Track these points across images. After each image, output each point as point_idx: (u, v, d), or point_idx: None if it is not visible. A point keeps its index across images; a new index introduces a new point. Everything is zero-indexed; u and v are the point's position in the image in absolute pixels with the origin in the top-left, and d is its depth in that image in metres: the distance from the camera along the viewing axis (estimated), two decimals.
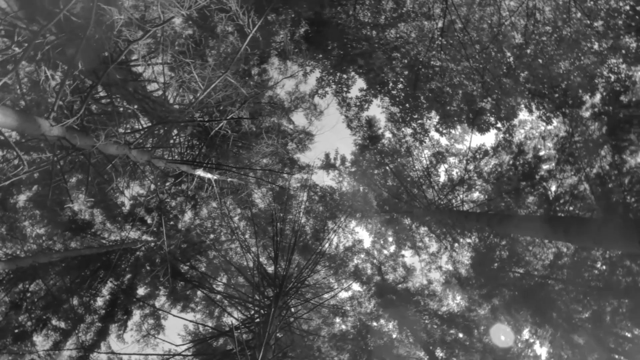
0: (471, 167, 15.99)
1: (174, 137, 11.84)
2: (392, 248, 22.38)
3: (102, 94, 10.70)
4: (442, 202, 16.74)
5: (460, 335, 18.53)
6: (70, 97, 7.66)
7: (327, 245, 17.54)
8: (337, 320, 21.40)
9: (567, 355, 13.53)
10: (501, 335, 16.58)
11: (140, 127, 9.27)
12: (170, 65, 11.32)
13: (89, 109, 10.95)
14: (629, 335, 11.56)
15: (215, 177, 11.18)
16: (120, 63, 9.04)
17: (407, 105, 15.69)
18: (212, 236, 17.76)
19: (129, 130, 8.66)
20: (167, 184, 14.32)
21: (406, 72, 15.03)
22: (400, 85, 15.58)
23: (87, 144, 6.16)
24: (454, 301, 19.58)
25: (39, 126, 4.97)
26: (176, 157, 11.70)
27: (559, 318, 12.64)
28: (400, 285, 21.24)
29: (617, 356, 11.50)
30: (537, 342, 15.09)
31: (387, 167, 18.48)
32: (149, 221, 15.74)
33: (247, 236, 18.06)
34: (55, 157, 6.06)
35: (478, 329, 17.28)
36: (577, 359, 13.16)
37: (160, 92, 10.93)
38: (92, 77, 8.21)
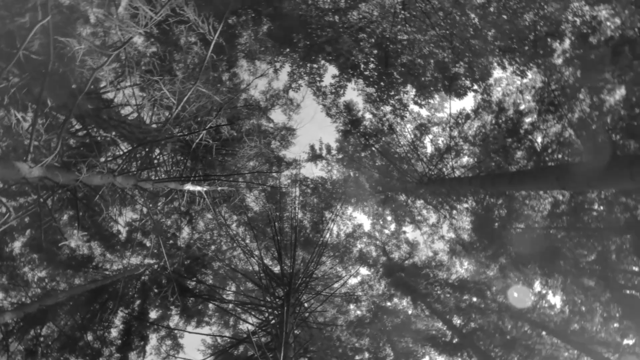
0: (455, 133, 16.02)
1: (157, 157, 11.76)
2: (393, 226, 22.48)
3: (77, 126, 10.60)
4: (433, 173, 16.77)
5: (474, 299, 18.69)
6: (46, 136, 7.58)
7: (328, 235, 17.57)
8: (352, 307, 21.53)
9: (580, 299, 13.69)
10: (514, 292, 16.73)
11: (121, 153, 9.19)
12: (140, 86, 11.22)
13: (67, 143, 10.87)
14: (636, 269, 11.69)
15: (205, 189, 11.14)
16: (89, 93, 8.94)
17: (381, 83, 15.66)
18: (213, 247, 17.73)
19: (110, 158, 8.59)
20: (159, 204, 14.25)
21: (375, 51, 14.99)
22: (371, 65, 15.54)
23: (70, 179, 6.10)
24: (462, 267, 19.73)
25: (18, 170, 4.91)
26: (163, 175, 11.62)
27: (567, 265, 12.76)
28: (407, 262, 21.35)
29: (628, 291, 11.64)
30: (550, 292, 15.26)
31: (373, 148, 18.49)
32: (148, 244, 15.67)
33: (247, 241, 18.04)
34: (41, 198, 6.00)
35: (490, 291, 17.42)
36: (590, 301, 13.32)
37: (135, 115, 10.84)
38: (64, 111, 8.12)
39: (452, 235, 19.42)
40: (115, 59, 10.58)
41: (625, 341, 13.50)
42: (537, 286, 15.78)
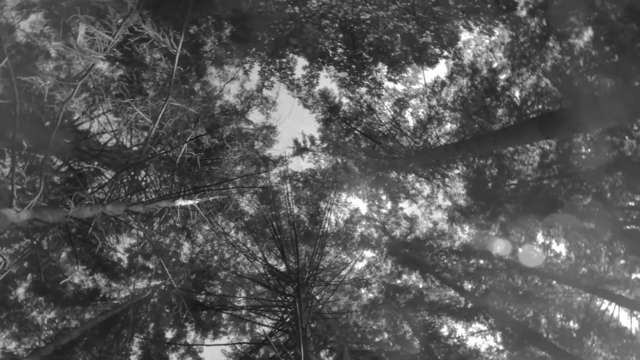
0: (434, 102, 16.04)
1: (144, 179, 11.70)
2: (389, 205, 22.54)
3: (58, 162, 10.51)
4: (419, 145, 16.80)
5: (481, 261, 18.83)
6: (29, 177, 7.51)
7: (326, 225, 17.59)
8: (363, 291, 21.62)
9: (584, 243, 13.84)
10: (518, 248, 16.86)
11: (106, 181, 9.12)
12: (113, 111, 11.13)
13: (51, 182, 10.77)
14: (632, 203, 11.82)
15: (196, 202, 11.10)
16: (63, 127, 8.86)
17: (353, 66, 15.62)
18: (216, 257, 17.71)
19: (96, 188, 8.52)
20: (155, 225, 14.20)
21: (341, 35, 14.93)
22: (340, 50, 15.48)
23: (60, 216, 6.05)
24: (464, 233, 19.83)
25: (5, 217, 4.86)
26: (153, 196, 11.56)
27: (565, 212, 12.86)
28: (409, 237, 21.46)
29: (628, 227, 11.77)
30: (553, 241, 15.40)
31: (356, 131, 18.47)
32: (151, 266, 15.63)
33: (249, 245, 18.02)
34: (34, 241, 5.95)
35: (495, 251, 17.54)
36: (593, 243, 13.47)
37: (114, 141, 10.76)
38: (42, 150, 8.04)
39: (448, 203, 19.51)
40: (84, 88, 10.50)
41: (634, 275, 13.69)
42: (540, 238, 15.92)
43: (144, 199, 10.70)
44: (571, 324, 15.99)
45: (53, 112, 7.28)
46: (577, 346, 14.67)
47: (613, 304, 14.32)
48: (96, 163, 10.65)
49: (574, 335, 15.20)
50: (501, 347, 18.24)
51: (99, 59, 5.61)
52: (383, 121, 17.91)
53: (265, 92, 16.80)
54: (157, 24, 7.18)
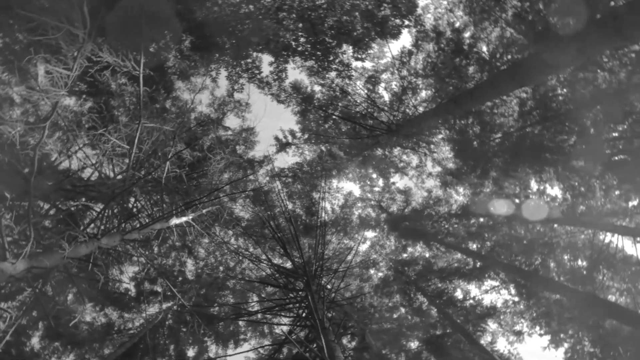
0: (405, 72, 16.02)
1: (134, 205, 11.64)
2: (381, 182, 22.57)
3: (45, 206, 10.41)
4: (398, 118, 16.80)
5: (481, 220, 18.95)
6: (19, 227, 7.43)
7: (323, 214, 17.59)
8: (372, 272, 21.72)
9: (577, 182, 13.97)
10: (514, 199, 16.99)
11: (96, 215, 9.06)
12: (89, 145, 11.03)
13: (42, 227, 10.68)
14: (616, 134, 11.93)
15: (190, 217, 11.07)
16: (42, 171, 8.76)
17: (318, 53, 15.57)
18: (221, 268, 17.69)
19: (87, 224, 8.46)
20: (154, 248, 14.15)
21: (300, 25, 14.86)
22: (302, 40, 15.42)
23: (56, 259, 6.00)
24: (459, 195, 19.93)
25: (2, 271, 4.81)
26: (146, 220, 11.49)
27: (552, 155, 12.96)
28: (406, 210, 21.54)
29: (616, 157, 11.89)
30: (547, 185, 15.52)
31: (334, 116, 18.45)
32: (159, 289, 15.58)
33: (251, 249, 18.01)
34: (36, 289, 5.90)
35: (493, 207, 17.65)
36: (586, 180, 13.60)
37: (96, 173, 10.67)
38: (25, 198, 7.95)
39: (438, 169, 19.58)
40: (55, 128, 10.38)
41: (631, 204, 13.85)
42: (534, 185, 16.05)
43: (138, 225, 10.64)
44: (579, 262, 16.18)
45: (29, 158, 7.19)
46: (588, 283, 14.85)
47: (615, 235, 14.49)
48: (83, 199, 10.56)
49: (584, 272, 15.39)
50: (516, 299, 18.46)
51: (63, 96, 5.54)
52: (359, 101, 17.88)
53: (236, 95, 16.73)
54: (114, 50, 7.10)
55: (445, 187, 19.53)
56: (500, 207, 17.31)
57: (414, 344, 17.97)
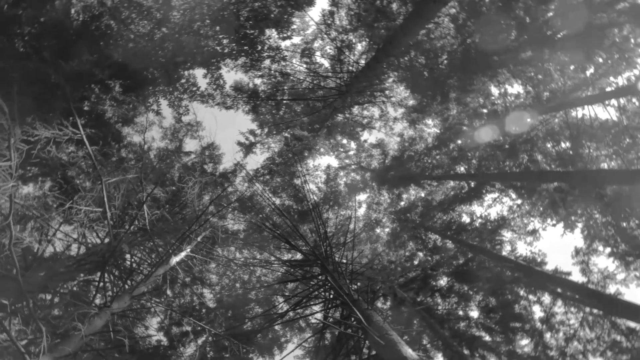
0: (333, 33, 15.96)
1: (131, 261, 11.57)
2: (353, 144, 22.60)
3: (47, 296, 10.28)
4: (345, 78, 16.77)
5: (459, 142, 19.14)
6: (31, 327, 7.34)
7: (311, 196, 17.60)
8: (378, 231, 21.88)
9: (531, 72, 14.11)
10: (482, 110, 17.14)
11: (96, 284, 8.97)
12: (65, 222, 10.85)
13: (52, 317, 10.54)
14: (550, 14, 11.99)
15: (188, 250, 11.01)
16: (29, 266, 8.63)
17: (245, 47, 15.45)
18: (237, 285, 17.67)
19: (92, 297, 8.39)
20: (167, 292, 14.06)
21: (218, 28, 14.68)
22: (225, 41, 15.26)
23: (76, 342, 5.96)
24: (430, 128, 20.10)
25: None
26: (149, 269, 11.41)
27: (500, 56, 13.05)
28: (386, 161, 21.65)
29: (559, 35, 12.00)
30: (506, 86, 15.70)
31: (284, 101, 18.38)
32: (188, 328, 15.53)
33: (258, 255, 18.00)
34: None
35: (468, 120, 17.77)
36: (539, 67, 13.73)
37: (82, 246, 10.54)
38: (23, 298, 7.83)
39: (401, 110, 19.65)
40: (25, 219, 10.17)
41: (588, 72, 13.96)
42: (494, 90, 16.23)
43: (142, 277, 10.57)
44: (563, 145, 16.47)
45: (9, 258, 7.05)
46: (578, 160, 15.15)
47: (585, 106, 14.72)
48: (81, 275, 10.45)
49: (571, 153, 15.67)
50: (519, 201, 18.80)
51: (15, 187, 5.43)
52: (302, 78, 17.81)
53: (184, 119, 16.59)
54: (47, 122, 6.94)
55: (414, 125, 19.64)
56: (470, 123, 17.49)
57: (443, 281, 18.21)
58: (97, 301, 8.72)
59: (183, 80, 15.87)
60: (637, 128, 14.34)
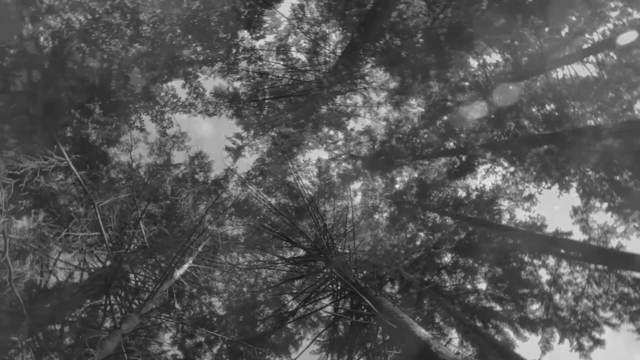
0: (306, 26, 15.93)
1: (135, 279, 11.54)
2: (340, 134, 22.60)
3: (57, 327, 10.26)
4: (324, 70, 16.76)
5: (444, 117, 19.13)
6: (45, 359, 7.32)
7: (306, 192, 17.60)
8: (377, 216, 21.93)
9: (507, 39, 14.11)
10: (464, 83, 17.13)
11: (102, 307, 8.95)
12: (64, 250, 10.80)
13: (65, 346, 10.53)
14: None
15: (190, 262, 10.99)
16: (34, 299, 8.59)
17: (220, 52, 15.41)
18: (245, 289, 17.66)
19: (101, 321, 8.38)
20: (175, 306, 14.05)
21: (190, 36, 14.60)
22: (199, 48, 15.20)
23: None
24: (414, 108, 20.07)
25: None
26: (154, 286, 11.40)
27: (474, 27, 13.04)
28: (376, 146, 21.64)
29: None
30: (484, 57, 15.71)
31: (266, 100, 18.35)
32: (201, 338, 15.54)
33: (261, 257, 18.01)
34: None
35: (447, 100, 17.77)
36: (514, 33, 13.72)
37: (85, 273, 10.52)
38: (32, 332, 7.81)
39: (383, 94, 19.65)
40: (23, 254, 10.12)
41: (562, 33, 14.00)
42: (473, 62, 16.24)
43: (148, 295, 10.55)
44: (548, 107, 16.48)
45: (14, 295, 7.02)
46: (565, 121, 15.22)
47: (564, 66, 14.77)
48: (88, 301, 10.42)
49: (557, 114, 15.71)
50: (512, 169, 18.87)
51: (6, 223, 5.38)
52: (281, 75, 17.77)
53: (169, 131, 16.48)
54: (32, 153, 6.89)
55: (398, 107, 19.61)
56: (458, 95, 17.46)
57: (447, 258, 18.31)
58: (107, 324, 8.69)
59: (162, 94, 15.80)
60: (618, 81, 14.40)
